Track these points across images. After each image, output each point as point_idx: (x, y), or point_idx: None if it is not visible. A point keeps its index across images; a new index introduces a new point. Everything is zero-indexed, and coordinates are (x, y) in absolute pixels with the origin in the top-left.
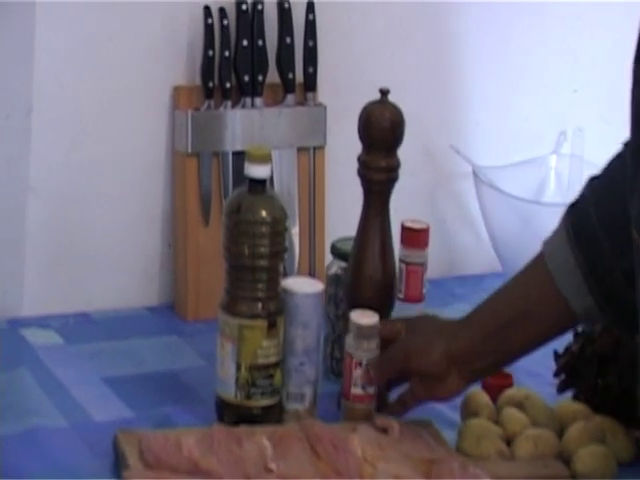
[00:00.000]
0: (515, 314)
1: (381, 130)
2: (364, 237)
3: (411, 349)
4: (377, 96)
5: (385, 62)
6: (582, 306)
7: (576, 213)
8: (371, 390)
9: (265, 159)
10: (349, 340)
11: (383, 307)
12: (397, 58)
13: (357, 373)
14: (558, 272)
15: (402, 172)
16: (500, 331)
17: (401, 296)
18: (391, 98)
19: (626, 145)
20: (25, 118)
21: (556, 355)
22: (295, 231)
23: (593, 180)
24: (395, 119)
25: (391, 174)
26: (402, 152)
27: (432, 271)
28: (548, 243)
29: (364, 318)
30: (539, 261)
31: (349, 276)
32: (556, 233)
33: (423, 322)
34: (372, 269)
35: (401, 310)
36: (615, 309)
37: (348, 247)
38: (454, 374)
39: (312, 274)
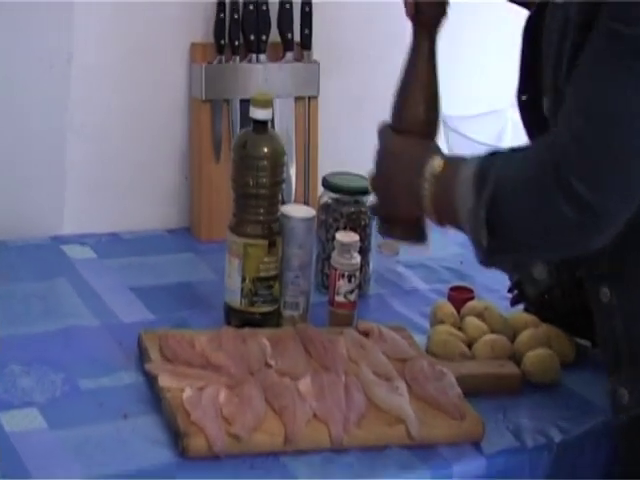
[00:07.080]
0: None
1: None
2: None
3: None
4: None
5: (365, 28)
6: None
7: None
8: (352, 297)
9: (267, 103)
10: (334, 255)
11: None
12: (377, 26)
13: (340, 284)
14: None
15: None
16: None
17: None
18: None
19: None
20: (66, 66)
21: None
22: (292, 166)
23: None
24: None
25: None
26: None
27: None
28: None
29: (346, 237)
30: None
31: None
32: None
33: None
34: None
35: None
36: None
37: (337, 180)
38: None
39: (306, 203)
